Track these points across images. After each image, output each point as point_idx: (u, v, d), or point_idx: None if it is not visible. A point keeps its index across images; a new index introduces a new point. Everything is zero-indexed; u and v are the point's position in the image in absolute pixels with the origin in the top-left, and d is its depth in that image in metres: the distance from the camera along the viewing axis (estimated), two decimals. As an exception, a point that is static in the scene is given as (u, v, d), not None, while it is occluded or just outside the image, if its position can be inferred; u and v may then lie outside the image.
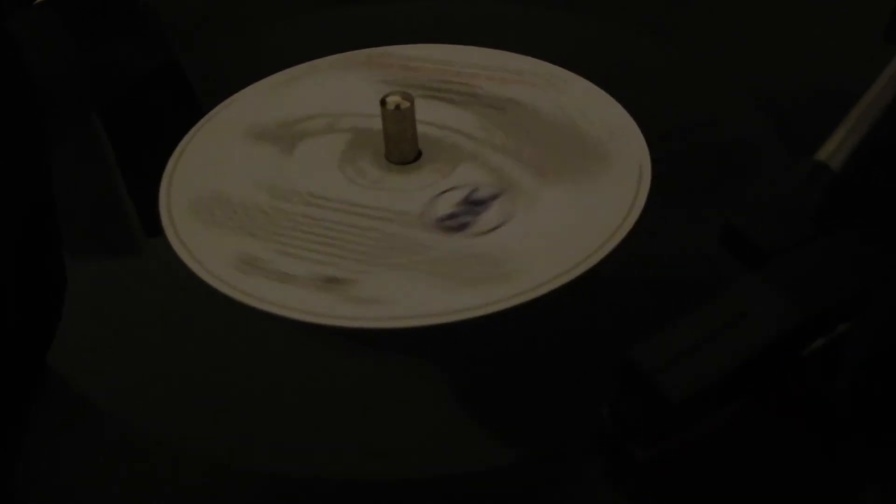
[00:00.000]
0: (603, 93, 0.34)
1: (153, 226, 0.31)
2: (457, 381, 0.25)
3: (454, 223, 0.30)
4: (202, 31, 0.39)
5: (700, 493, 0.22)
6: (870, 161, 0.25)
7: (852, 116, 0.26)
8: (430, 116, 0.33)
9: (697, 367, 0.21)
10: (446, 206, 0.30)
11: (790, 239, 0.23)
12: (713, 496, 0.22)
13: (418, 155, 0.32)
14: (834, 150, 0.25)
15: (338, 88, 0.35)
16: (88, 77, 0.36)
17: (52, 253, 0.30)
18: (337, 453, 0.24)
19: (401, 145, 0.32)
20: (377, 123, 0.33)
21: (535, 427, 0.24)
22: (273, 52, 0.37)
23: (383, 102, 0.31)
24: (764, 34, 0.35)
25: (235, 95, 0.35)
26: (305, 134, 0.34)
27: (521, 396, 0.25)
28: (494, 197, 0.31)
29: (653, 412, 0.21)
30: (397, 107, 0.31)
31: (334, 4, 0.39)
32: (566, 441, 0.23)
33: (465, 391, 0.25)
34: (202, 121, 0.34)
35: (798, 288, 0.22)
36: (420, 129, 0.32)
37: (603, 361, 0.24)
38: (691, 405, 0.21)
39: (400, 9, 0.39)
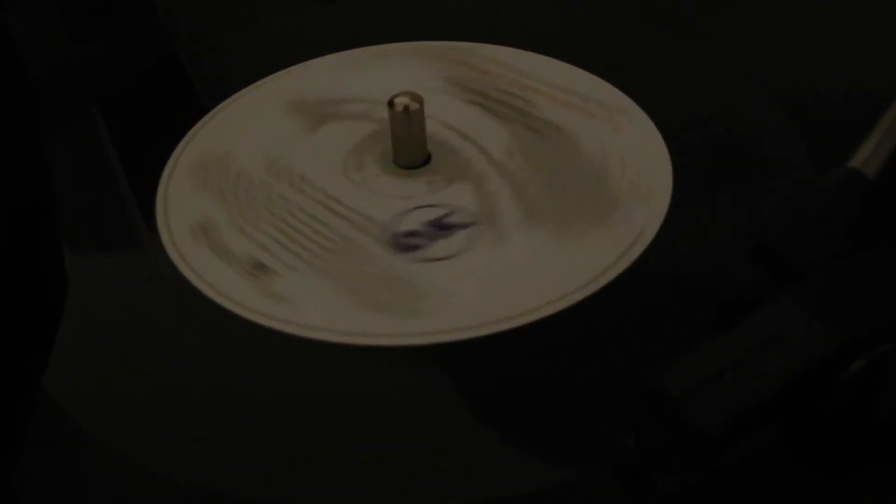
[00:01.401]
0: (659, 139, 0.29)
1: (153, 221, 0.29)
2: (468, 402, 0.23)
3: (407, 242, 0.27)
4: (202, 24, 0.37)
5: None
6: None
7: (886, 121, 0.24)
8: (463, 125, 0.30)
9: (729, 394, 0.19)
10: (413, 222, 0.28)
11: (826, 253, 0.21)
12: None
13: (427, 159, 0.30)
14: (867, 156, 0.23)
15: (396, 77, 0.33)
16: (86, 70, 0.35)
17: (52, 251, 0.29)
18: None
19: (408, 149, 0.30)
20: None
21: (553, 454, 0.22)
22: (276, 45, 0.35)
23: (391, 104, 0.29)
24: (779, 32, 0.33)
25: (297, 66, 0.34)
26: (336, 117, 0.32)
27: (538, 422, 0.23)
28: (465, 226, 0.27)
29: (679, 441, 0.20)
30: (405, 108, 0.29)
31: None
32: (585, 470, 0.22)
33: (475, 414, 0.23)
34: (252, 86, 0.34)
35: (837, 309, 0.20)
36: (446, 134, 0.30)
37: (626, 384, 0.22)
38: (721, 434, 0.19)
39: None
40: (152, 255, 0.28)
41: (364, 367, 0.24)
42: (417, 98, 0.29)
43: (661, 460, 0.20)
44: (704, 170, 0.28)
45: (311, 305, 0.26)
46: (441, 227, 0.27)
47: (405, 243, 0.27)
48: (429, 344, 0.24)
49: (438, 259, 0.26)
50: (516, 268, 0.26)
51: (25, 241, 0.29)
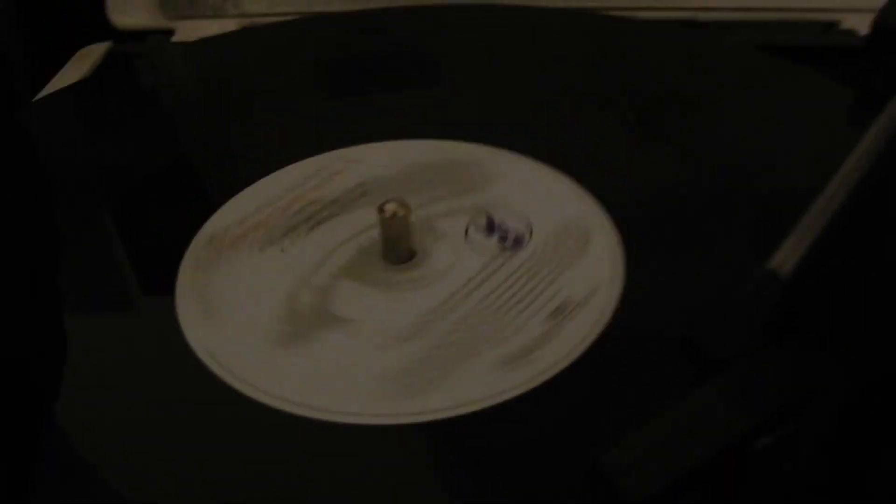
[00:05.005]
0: (402, 142, 0.38)
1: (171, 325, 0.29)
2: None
3: (511, 242, 0.33)
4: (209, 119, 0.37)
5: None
6: (815, 265, 0.27)
7: (804, 223, 0.26)
8: (344, 230, 0.33)
9: (658, 467, 0.23)
10: (487, 244, 0.33)
11: (740, 348, 0.26)
12: None
13: (413, 253, 0.33)
14: (785, 257, 0.26)
15: (256, 271, 0.32)
16: (98, 169, 0.36)
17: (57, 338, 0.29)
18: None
19: (400, 245, 0.33)
20: (342, 258, 0.33)
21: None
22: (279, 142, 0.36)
23: (381, 210, 0.32)
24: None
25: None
26: (319, 306, 0.31)
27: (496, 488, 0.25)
28: (492, 220, 0.34)
29: None
30: (394, 214, 0.32)
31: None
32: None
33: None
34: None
35: (747, 396, 0.25)
36: (364, 240, 0.33)
37: (581, 456, 0.25)
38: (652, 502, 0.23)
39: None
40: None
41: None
42: (405, 205, 0.32)
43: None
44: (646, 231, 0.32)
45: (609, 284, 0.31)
46: (492, 227, 0.34)
47: (511, 244, 0.33)
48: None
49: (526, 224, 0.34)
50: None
51: (31, 321, 0.30)
